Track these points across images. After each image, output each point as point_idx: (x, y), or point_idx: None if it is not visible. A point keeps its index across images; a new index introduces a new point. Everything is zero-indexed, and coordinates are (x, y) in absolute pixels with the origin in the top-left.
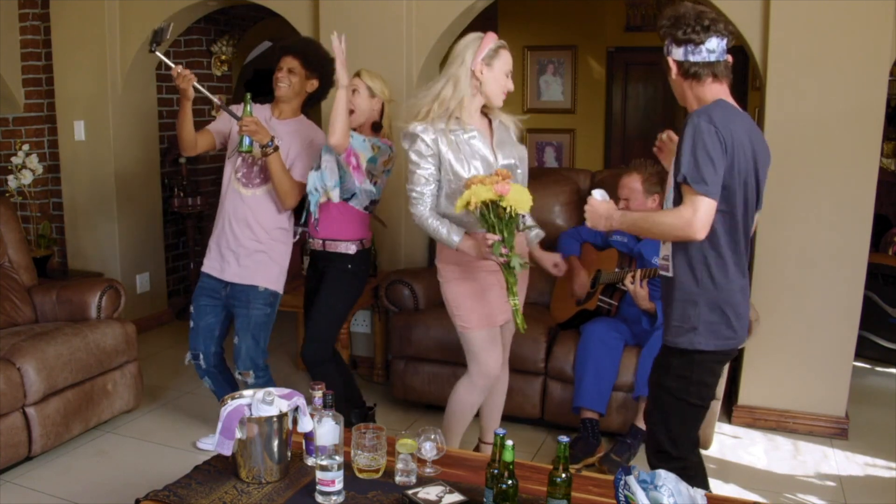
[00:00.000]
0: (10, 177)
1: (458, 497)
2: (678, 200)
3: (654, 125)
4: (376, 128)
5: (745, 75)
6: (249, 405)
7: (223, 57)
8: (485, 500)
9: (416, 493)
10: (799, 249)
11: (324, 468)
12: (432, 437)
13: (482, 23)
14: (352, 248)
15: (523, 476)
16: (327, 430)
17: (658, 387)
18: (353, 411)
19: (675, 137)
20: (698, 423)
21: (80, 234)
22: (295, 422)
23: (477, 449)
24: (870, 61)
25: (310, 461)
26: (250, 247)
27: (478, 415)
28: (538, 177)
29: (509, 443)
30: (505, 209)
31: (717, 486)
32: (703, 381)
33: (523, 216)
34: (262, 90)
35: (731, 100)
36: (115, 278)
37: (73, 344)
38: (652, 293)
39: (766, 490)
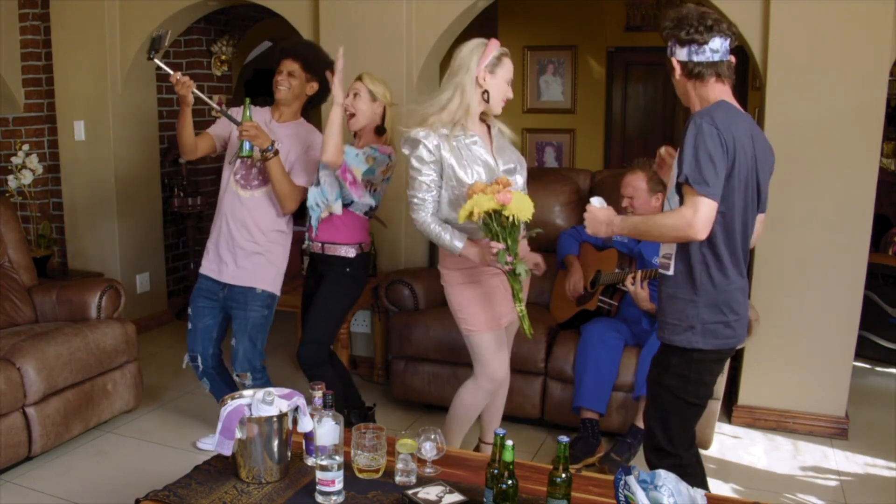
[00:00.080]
0: (10, 177)
1: (458, 497)
2: (682, 202)
3: (654, 125)
4: (380, 132)
5: (745, 75)
6: (249, 405)
7: (223, 57)
8: (485, 500)
9: (416, 493)
10: (799, 249)
11: (324, 468)
12: (432, 437)
13: (482, 23)
14: (351, 252)
15: (523, 476)
16: (327, 430)
17: (657, 385)
18: (352, 412)
19: (674, 152)
20: (695, 421)
21: (80, 234)
22: (295, 422)
23: (477, 449)
24: (870, 61)
25: (310, 461)
26: (248, 248)
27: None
28: (538, 177)
29: (509, 443)
30: (507, 218)
31: (717, 486)
32: (702, 380)
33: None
34: (263, 90)
35: (733, 101)
36: (115, 278)
37: (73, 344)
38: (652, 294)
39: (766, 490)
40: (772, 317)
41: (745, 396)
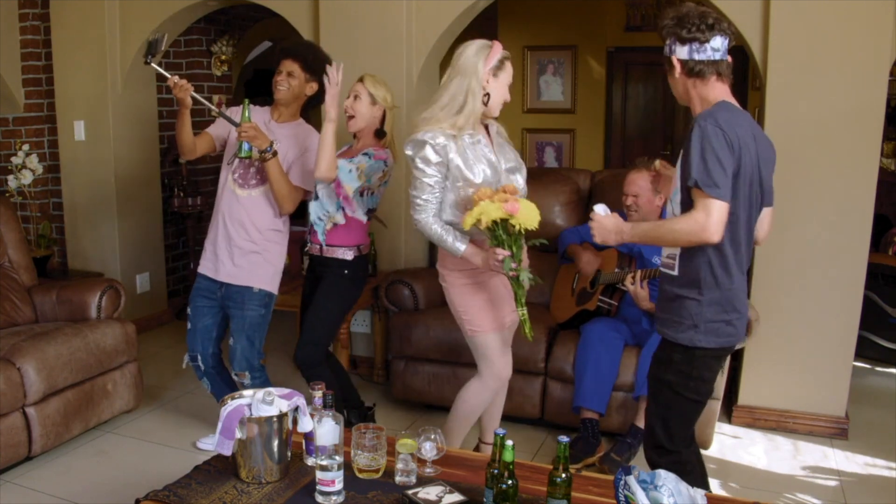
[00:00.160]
0: (10, 177)
1: (458, 497)
2: (686, 202)
3: (654, 125)
4: (379, 135)
5: (745, 75)
6: (249, 405)
7: (223, 57)
8: (485, 500)
9: (416, 493)
10: (799, 249)
11: (324, 468)
12: (432, 437)
13: (482, 23)
14: (349, 255)
15: (523, 476)
16: (327, 430)
17: (657, 381)
18: (352, 412)
19: (669, 165)
20: (695, 417)
21: (80, 234)
22: (295, 422)
23: (477, 449)
24: (870, 61)
25: (310, 461)
26: (245, 247)
27: None
28: (538, 177)
29: (509, 443)
30: (514, 227)
31: (717, 486)
32: (702, 377)
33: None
34: (262, 91)
35: (733, 100)
36: (115, 278)
37: (73, 344)
38: (652, 293)
39: (766, 490)
40: (772, 317)
41: (745, 396)
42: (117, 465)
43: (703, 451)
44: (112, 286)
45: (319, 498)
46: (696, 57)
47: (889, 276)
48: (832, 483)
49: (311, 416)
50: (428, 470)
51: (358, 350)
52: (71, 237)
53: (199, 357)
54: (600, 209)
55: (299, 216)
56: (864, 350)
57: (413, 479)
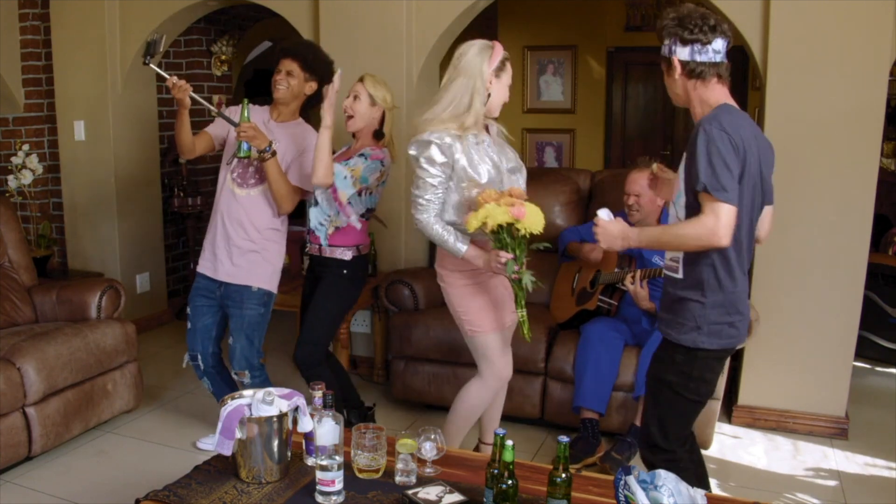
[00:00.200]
0: (10, 177)
1: (458, 497)
2: (691, 206)
3: (654, 125)
4: (378, 135)
5: (745, 75)
6: (249, 405)
7: (223, 57)
8: (485, 500)
9: (416, 493)
10: (799, 249)
11: (324, 468)
12: (432, 437)
13: (482, 23)
14: (348, 255)
15: (523, 476)
16: (327, 430)
17: (657, 380)
18: (352, 412)
19: (667, 170)
20: (693, 417)
21: (80, 234)
22: (295, 422)
23: (477, 449)
24: (870, 61)
25: (310, 461)
26: (243, 246)
27: None
28: (538, 177)
29: (509, 443)
30: (519, 230)
31: (717, 486)
32: (703, 378)
33: None
34: (262, 90)
35: (733, 102)
36: (115, 278)
37: (73, 344)
38: (652, 293)
39: (766, 490)
40: (772, 317)
41: (745, 396)
42: (117, 465)
43: (703, 451)
44: (112, 286)
45: (319, 498)
46: (698, 58)
47: (889, 276)
48: (832, 483)
49: (311, 416)
50: (428, 470)
51: (358, 350)
52: (71, 237)
53: (199, 356)
54: (604, 214)
55: (298, 216)
56: (864, 350)
57: (413, 479)
